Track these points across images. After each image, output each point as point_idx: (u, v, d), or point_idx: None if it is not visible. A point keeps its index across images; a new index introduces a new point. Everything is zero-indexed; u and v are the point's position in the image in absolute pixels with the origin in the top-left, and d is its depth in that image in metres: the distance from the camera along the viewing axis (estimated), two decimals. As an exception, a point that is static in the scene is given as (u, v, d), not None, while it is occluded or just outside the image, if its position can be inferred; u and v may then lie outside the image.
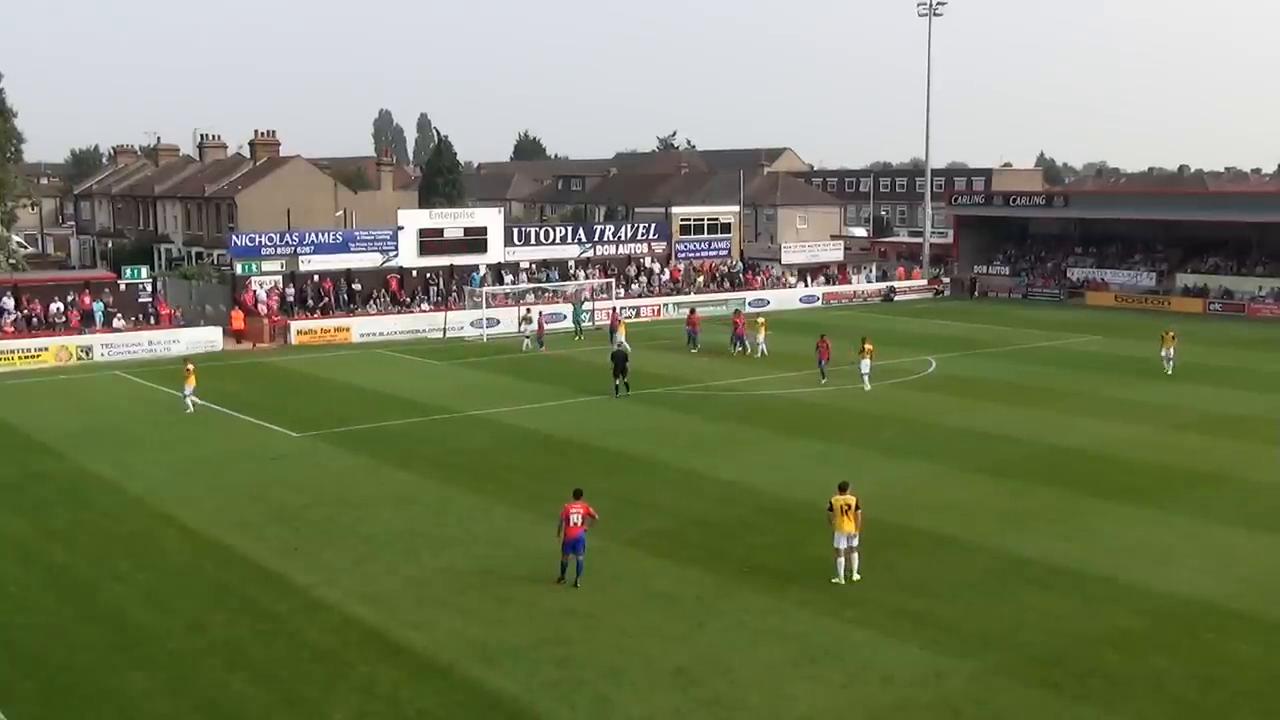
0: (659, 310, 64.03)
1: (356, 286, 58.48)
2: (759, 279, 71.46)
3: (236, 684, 17.04)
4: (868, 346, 41.18)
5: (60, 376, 44.81)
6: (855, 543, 20.88)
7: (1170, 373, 43.46)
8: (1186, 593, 20.76)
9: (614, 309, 57.86)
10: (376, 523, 24.93)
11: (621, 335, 45.27)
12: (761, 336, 48.61)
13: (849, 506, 20.77)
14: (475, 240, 62.51)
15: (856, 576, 20.92)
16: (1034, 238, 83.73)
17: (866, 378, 40.60)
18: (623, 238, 69.06)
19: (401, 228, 60.61)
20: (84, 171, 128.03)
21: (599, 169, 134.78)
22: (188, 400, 36.95)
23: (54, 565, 22.54)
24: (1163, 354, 44.22)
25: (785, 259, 76.59)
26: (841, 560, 20.87)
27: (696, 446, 32.24)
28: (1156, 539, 23.90)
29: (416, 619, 19.38)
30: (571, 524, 20.75)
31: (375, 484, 28.37)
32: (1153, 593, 20.74)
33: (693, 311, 53.93)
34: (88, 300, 51.34)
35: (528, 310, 56.34)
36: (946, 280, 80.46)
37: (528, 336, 53.19)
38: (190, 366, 38.67)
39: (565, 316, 57.84)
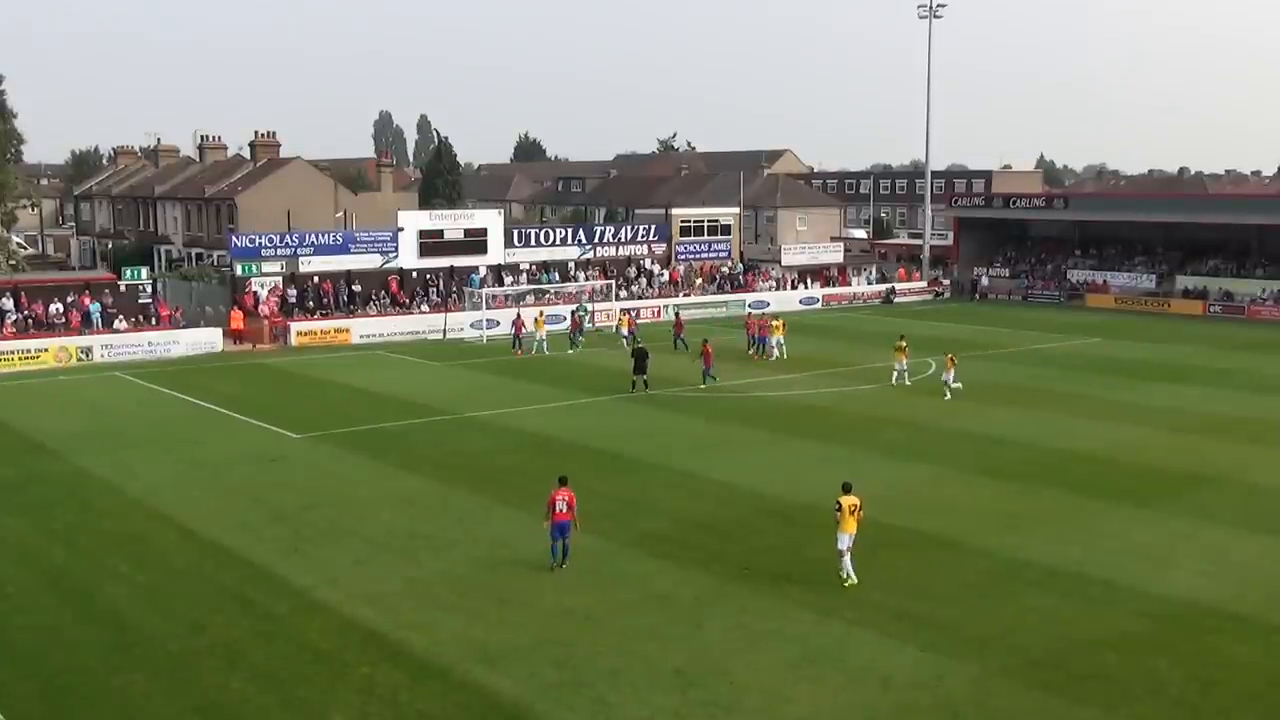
0: (659, 312, 64.00)
1: (356, 288, 58.50)
2: (758, 280, 71.51)
3: (236, 685, 17.03)
4: (901, 344, 42.86)
5: (60, 377, 44.79)
6: (851, 544, 20.81)
7: (949, 397, 39.12)
8: (1187, 595, 20.75)
9: (678, 313, 56.01)
10: (376, 524, 24.92)
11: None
12: (776, 339, 48.76)
13: (855, 507, 20.80)
14: (475, 241, 62.58)
15: (853, 579, 20.85)
16: (1034, 240, 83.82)
17: (903, 375, 42.33)
18: (623, 239, 69.10)
19: (401, 229, 60.65)
20: (84, 172, 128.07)
21: (599, 170, 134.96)
22: None
23: (53, 566, 22.53)
24: (944, 378, 40.01)
25: (785, 260, 76.62)
26: (847, 559, 20.81)
27: (696, 448, 32.23)
28: (1157, 541, 23.89)
29: (416, 620, 19.37)
30: (558, 510, 21.36)
31: (375, 485, 28.35)
32: (1153, 595, 20.73)
33: (677, 316, 54.25)
34: (88, 301, 51.34)
35: (622, 310, 57.08)
36: (946, 282, 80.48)
37: (624, 336, 53.57)
38: None
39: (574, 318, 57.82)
